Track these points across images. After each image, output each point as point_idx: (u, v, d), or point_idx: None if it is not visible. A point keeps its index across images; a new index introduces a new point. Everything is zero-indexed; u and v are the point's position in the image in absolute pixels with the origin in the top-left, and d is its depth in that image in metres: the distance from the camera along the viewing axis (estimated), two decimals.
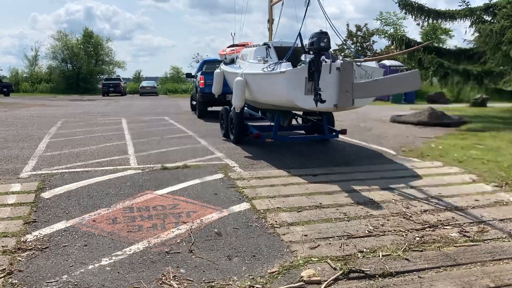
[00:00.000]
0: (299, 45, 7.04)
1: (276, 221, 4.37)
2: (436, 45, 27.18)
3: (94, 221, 4.39)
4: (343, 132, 8.65)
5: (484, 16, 13.78)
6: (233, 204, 4.91)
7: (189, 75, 20.05)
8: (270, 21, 10.58)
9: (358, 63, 6.65)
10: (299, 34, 6.94)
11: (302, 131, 10.03)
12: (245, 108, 9.65)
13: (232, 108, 8.87)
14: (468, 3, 13.72)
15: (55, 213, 4.60)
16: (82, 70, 50.95)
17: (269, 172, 6.50)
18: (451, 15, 14.54)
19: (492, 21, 13.02)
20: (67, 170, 6.55)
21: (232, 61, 10.46)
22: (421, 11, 14.80)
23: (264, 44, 8.71)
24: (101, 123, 13.53)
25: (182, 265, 3.43)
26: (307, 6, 7.28)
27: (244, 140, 9.03)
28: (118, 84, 41.09)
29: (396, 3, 14.82)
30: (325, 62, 6.40)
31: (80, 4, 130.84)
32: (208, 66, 16.14)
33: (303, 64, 6.61)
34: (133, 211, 4.70)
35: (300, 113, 9.49)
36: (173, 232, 4.10)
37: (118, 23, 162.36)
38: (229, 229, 4.18)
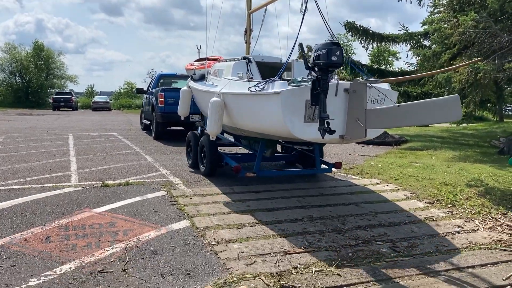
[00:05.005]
0: (283, 60, 5.81)
1: (214, 239, 4.41)
2: (380, 66, 28.29)
3: (25, 240, 4.27)
4: (338, 165, 7.30)
5: (424, 41, 14.65)
6: (173, 222, 4.91)
7: (140, 91, 18.22)
8: (248, 31, 8.90)
9: (370, 84, 5.03)
10: (300, 45, 5.31)
11: (283, 161, 8.80)
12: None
13: (201, 133, 7.50)
14: (407, 28, 14.58)
15: None
16: (31, 83, 49.09)
17: (213, 189, 6.53)
18: (393, 39, 15.36)
19: (429, 46, 13.87)
20: (2, 188, 6.31)
21: (202, 77, 8.91)
22: (365, 35, 15.52)
23: (244, 58, 7.14)
24: (47, 138, 13.10)
25: (114, 284, 3.40)
26: (304, 12, 5.57)
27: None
28: (69, 98, 39.93)
29: (343, 26, 15.46)
30: (333, 80, 5.03)
31: (30, 16, 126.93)
32: (165, 81, 15.19)
33: (292, 83, 5.21)
34: (68, 229, 4.61)
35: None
36: (107, 251, 4.05)
37: (71, 37, 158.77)
38: (166, 247, 4.18)
